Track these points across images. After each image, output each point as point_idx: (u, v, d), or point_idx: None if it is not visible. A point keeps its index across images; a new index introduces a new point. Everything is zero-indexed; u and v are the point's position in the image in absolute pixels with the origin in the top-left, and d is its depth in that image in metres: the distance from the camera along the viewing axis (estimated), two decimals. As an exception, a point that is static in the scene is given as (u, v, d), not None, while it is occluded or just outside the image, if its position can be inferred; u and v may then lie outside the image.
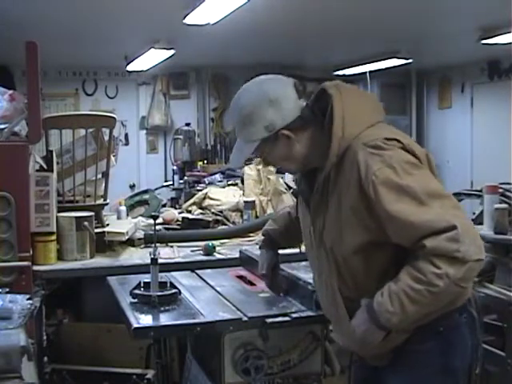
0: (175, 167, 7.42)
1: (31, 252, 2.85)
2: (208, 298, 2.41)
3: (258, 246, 2.60)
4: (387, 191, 1.68)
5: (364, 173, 1.72)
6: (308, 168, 1.92)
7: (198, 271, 2.83)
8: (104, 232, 3.20)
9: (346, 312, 1.86)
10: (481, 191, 3.27)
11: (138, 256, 3.16)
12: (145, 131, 8.38)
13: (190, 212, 4.01)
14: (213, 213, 3.86)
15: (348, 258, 1.81)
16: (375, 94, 2.02)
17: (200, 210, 3.98)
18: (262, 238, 2.48)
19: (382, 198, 1.68)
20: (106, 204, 3.46)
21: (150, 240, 3.21)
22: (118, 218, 3.77)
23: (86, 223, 3.05)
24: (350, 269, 1.82)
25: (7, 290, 2.26)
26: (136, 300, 2.29)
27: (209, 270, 2.85)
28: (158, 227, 2.81)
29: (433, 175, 1.77)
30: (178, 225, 3.70)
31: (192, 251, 3.27)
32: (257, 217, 3.74)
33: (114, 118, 3.40)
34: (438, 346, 1.83)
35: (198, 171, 6.26)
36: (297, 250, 3.27)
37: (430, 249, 1.62)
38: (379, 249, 1.78)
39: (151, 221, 2.99)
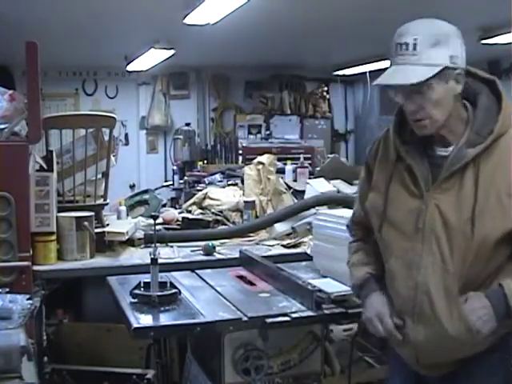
0: (175, 167, 7.42)
1: (31, 252, 2.85)
2: (208, 298, 2.42)
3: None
4: None
5: None
6: (435, 131, 1.79)
7: (198, 271, 2.83)
8: (104, 232, 3.20)
9: (446, 303, 1.76)
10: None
11: (138, 256, 3.16)
12: (145, 131, 8.37)
13: (190, 212, 4.01)
14: (213, 213, 3.86)
15: (476, 246, 1.72)
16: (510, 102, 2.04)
17: (200, 210, 3.98)
18: (362, 283, 2.01)
19: None
20: (106, 204, 3.46)
21: (149, 240, 3.21)
22: (118, 217, 3.77)
23: (85, 223, 3.05)
24: (475, 257, 1.73)
25: (7, 289, 2.27)
26: (136, 300, 2.29)
27: (209, 270, 2.86)
28: (158, 227, 2.81)
29: None
30: (178, 225, 3.70)
31: (192, 251, 3.27)
32: (257, 217, 3.74)
33: (114, 117, 3.40)
34: (503, 355, 1.81)
35: (198, 171, 6.26)
36: (299, 250, 3.29)
37: None
38: (510, 244, 1.73)
39: (151, 221, 2.99)
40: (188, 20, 4.65)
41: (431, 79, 1.71)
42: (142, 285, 2.35)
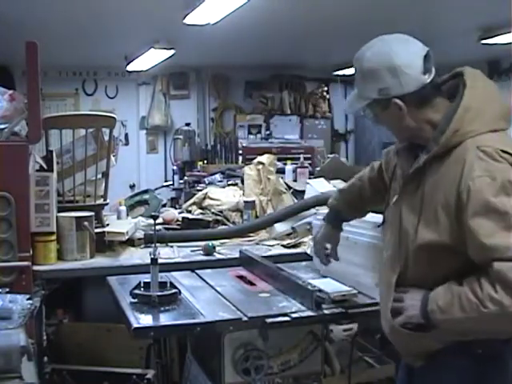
0: (175, 167, 7.42)
1: (31, 252, 2.85)
2: (208, 298, 2.41)
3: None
4: (476, 202, 1.61)
5: (465, 176, 1.65)
6: (414, 141, 1.85)
7: (198, 271, 2.83)
8: (104, 232, 3.20)
9: (386, 297, 1.85)
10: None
11: (138, 256, 3.16)
12: (145, 131, 8.38)
13: (190, 212, 4.00)
14: (213, 213, 3.86)
15: (416, 250, 1.76)
16: (508, 100, 1.89)
17: (200, 210, 3.98)
18: (328, 211, 2.38)
19: (469, 207, 1.62)
20: (106, 204, 3.46)
21: (150, 240, 3.21)
22: (118, 218, 3.77)
23: (85, 223, 3.05)
24: (415, 261, 1.78)
25: (7, 289, 2.27)
26: (136, 300, 2.29)
27: (209, 270, 2.86)
28: (158, 227, 2.81)
29: None
30: (178, 225, 3.70)
31: (192, 251, 3.27)
32: (257, 217, 3.74)
33: (114, 117, 3.40)
34: (472, 368, 1.78)
35: (198, 171, 6.26)
36: (299, 250, 3.29)
37: (495, 271, 1.57)
38: (451, 256, 1.72)
39: (151, 221, 2.99)
40: (188, 20, 4.66)
41: (370, 107, 1.84)
42: (142, 285, 2.35)
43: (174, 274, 2.69)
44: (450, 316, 1.66)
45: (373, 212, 2.40)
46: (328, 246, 2.35)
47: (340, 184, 4.11)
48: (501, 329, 1.68)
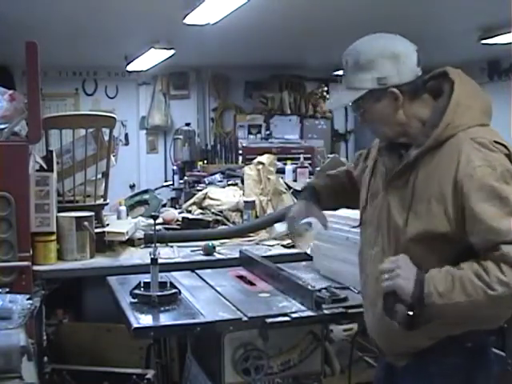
0: (175, 167, 7.42)
1: (31, 252, 2.85)
2: (208, 298, 2.41)
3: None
4: (480, 189, 1.65)
5: (463, 166, 1.67)
6: (399, 140, 1.86)
7: (198, 271, 2.83)
8: (104, 232, 3.20)
9: (375, 293, 1.84)
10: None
11: (138, 256, 3.16)
12: (145, 131, 8.38)
13: (190, 212, 4.01)
14: (213, 213, 3.86)
15: (407, 243, 1.77)
16: (490, 98, 1.92)
17: (200, 210, 3.98)
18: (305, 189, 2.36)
19: (472, 194, 1.65)
20: (106, 204, 3.46)
21: (150, 240, 3.21)
22: (118, 218, 3.77)
23: (85, 223, 3.05)
24: (406, 254, 1.75)
25: (7, 289, 2.27)
26: (136, 300, 2.29)
27: (209, 270, 2.85)
28: (157, 227, 2.81)
29: None
30: (178, 225, 3.70)
31: (192, 251, 3.27)
32: (257, 217, 3.74)
33: (114, 117, 3.40)
34: (461, 362, 1.79)
35: (198, 171, 6.26)
36: (299, 250, 3.29)
37: (504, 254, 1.58)
38: (445, 245, 1.73)
39: (151, 221, 2.99)
40: (188, 20, 4.65)
41: (360, 102, 1.81)
42: (142, 285, 2.35)
43: (174, 273, 2.69)
44: (450, 301, 1.62)
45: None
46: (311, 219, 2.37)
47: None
48: (499, 314, 1.72)
